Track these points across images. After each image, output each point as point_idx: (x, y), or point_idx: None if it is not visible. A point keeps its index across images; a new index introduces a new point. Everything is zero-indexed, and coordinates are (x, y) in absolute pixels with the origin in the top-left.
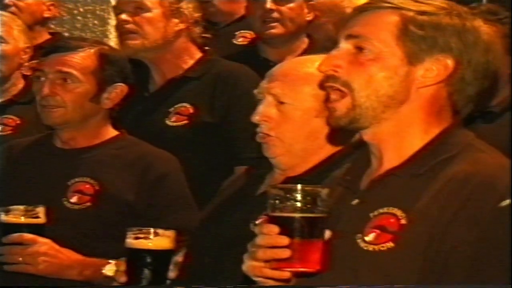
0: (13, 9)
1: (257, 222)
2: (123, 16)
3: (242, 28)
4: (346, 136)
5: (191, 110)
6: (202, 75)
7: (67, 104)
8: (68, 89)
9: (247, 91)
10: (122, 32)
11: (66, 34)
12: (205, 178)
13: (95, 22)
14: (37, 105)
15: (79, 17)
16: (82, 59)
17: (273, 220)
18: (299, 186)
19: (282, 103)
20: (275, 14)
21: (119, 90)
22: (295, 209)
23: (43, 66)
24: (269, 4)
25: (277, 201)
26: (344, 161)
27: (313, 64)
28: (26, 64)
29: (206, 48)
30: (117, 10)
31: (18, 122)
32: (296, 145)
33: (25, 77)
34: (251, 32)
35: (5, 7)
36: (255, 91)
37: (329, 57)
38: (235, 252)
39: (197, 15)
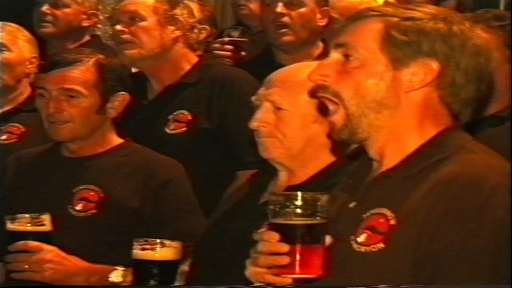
0: (49, 18)
1: (259, 230)
2: (119, 27)
3: None
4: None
5: (189, 117)
6: (198, 81)
7: (75, 119)
8: (74, 104)
9: (244, 95)
10: (119, 42)
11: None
12: (207, 184)
13: None
14: (44, 121)
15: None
16: (82, 72)
17: (273, 227)
18: (299, 193)
19: (280, 109)
20: (286, 19)
21: (121, 98)
22: (296, 216)
23: (45, 83)
24: (279, 9)
25: (277, 208)
26: (345, 169)
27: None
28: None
29: (209, 52)
30: (112, 20)
31: (23, 130)
32: (295, 148)
33: (32, 85)
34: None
35: (41, 15)
36: (253, 98)
37: (318, 66)
38: (239, 260)
39: (192, 20)
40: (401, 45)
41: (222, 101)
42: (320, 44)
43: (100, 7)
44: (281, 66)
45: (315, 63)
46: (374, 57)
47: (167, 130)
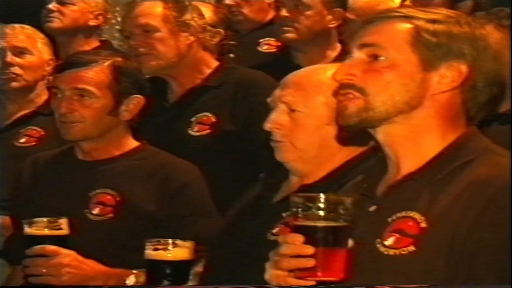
0: (55, 14)
1: (274, 231)
2: (133, 42)
3: (265, 36)
4: (359, 142)
5: (213, 119)
6: (221, 84)
7: (86, 119)
8: (86, 104)
9: (267, 97)
10: (136, 55)
11: (114, 42)
12: (230, 187)
13: None
14: (57, 121)
15: (117, 27)
16: (96, 73)
17: (297, 229)
18: (322, 195)
19: (294, 110)
20: (291, 21)
21: (136, 101)
22: (319, 218)
23: (59, 83)
24: (284, 12)
25: (300, 210)
26: (358, 168)
27: (325, 72)
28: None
29: (225, 55)
30: (124, 33)
31: (42, 133)
32: (309, 152)
33: (49, 88)
34: (275, 39)
35: (48, 12)
36: (268, 100)
37: (343, 66)
38: (253, 261)
39: (203, 21)
40: (433, 47)
41: (246, 103)
42: (338, 46)
43: (108, 10)
44: (299, 67)
45: (330, 65)
46: (405, 57)
47: (191, 132)
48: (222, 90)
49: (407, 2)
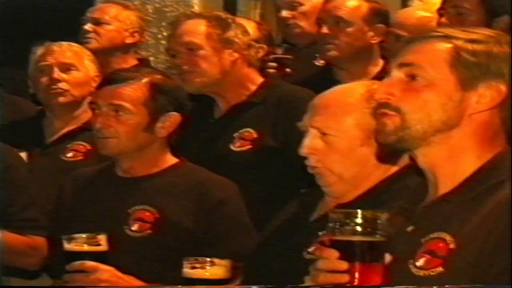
0: (91, 34)
1: (310, 249)
2: (178, 60)
3: None
4: (394, 160)
5: (254, 135)
6: (265, 100)
7: (121, 135)
8: (121, 120)
9: None
10: (181, 72)
11: (151, 59)
12: (270, 203)
13: None
14: (95, 136)
15: (163, 42)
16: (133, 90)
17: (333, 244)
18: (359, 211)
19: (326, 134)
20: (331, 38)
21: (172, 119)
22: (355, 233)
23: (97, 99)
24: (324, 30)
25: (337, 225)
26: (394, 186)
27: (353, 93)
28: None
29: (266, 71)
30: (170, 51)
31: (89, 148)
32: (346, 174)
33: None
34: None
35: (85, 33)
36: (299, 124)
37: (382, 85)
38: (289, 278)
39: (247, 38)
40: (471, 67)
41: (287, 120)
42: (380, 61)
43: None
44: (339, 82)
45: (357, 86)
46: (443, 77)
47: (232, 148)
48: (265, 106)
49: (443, 19)
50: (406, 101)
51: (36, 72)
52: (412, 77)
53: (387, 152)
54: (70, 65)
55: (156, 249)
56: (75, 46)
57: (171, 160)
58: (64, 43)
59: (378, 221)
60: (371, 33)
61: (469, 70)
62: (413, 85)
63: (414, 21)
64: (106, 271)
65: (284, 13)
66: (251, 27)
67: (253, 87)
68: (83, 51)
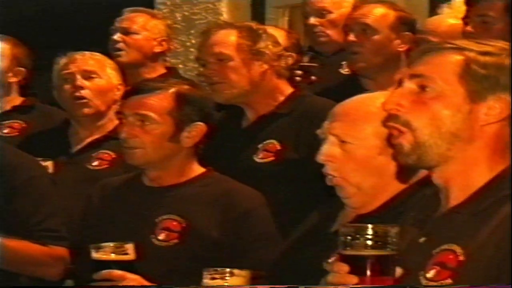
0: (121, 45)
1: (329, 260)
2: (207, 70)
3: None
4: (413, 172)
5: (278, 147)
6: (291, 111)
7: (146, 145)
8: (146, 130)
9: None
10: (210, 83)
11: (180, 66)
12: (292, 215)
13: None
14: (121, 145)
15: (192, 49)
16: (159, 100)
17: (343, 258)
18: (370, 225)
19: (344, 142)
20: (358, 46)
21: (198, 129)
22: (366, 247)
23: (124, 109)
24: (351, 37)
25: (348, 239)
26: (413, 197)
27: (374, 102)
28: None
29: (294, 79)
30: (200, 61)
31: (114, 156)
32: (364, 184)
33: (116, 114)
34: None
35: (114, 43)
36: (318, 131)
37: (392, 95)
38: None
39: (278, 49)
40: (481, 79)
41: (310, 132)
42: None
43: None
44: (366, 91)
45: (378, 94)
46: (452, 88)
47: (256, 159)
48: (290, 117)
49: (469, 28)
50: (414, 114)
51: (60, 81)
52: (422, 88)
53: (407, 170)
54: (92, 72)
55: (183, 258)
56: (97, 55)
57: (198, 169)
58: (86, 52)
59: (389, 235)
60: (398, 41)
61: (478, 82)
62: (422, 96)
63: (445, 28)
64: (133, 280)
65: (312, 20)
66: (280, 35)
67: (281, 98)
68: (105, 59)
